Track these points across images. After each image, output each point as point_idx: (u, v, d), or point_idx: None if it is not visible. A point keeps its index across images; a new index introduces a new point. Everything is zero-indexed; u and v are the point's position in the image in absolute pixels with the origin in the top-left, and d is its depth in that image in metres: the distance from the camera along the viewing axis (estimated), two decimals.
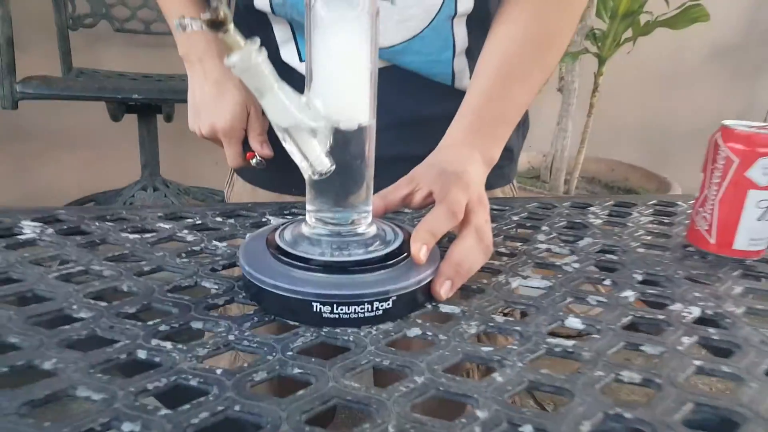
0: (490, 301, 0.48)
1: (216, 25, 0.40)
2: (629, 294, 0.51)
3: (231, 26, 0.40)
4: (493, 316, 0.45)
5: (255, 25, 0.75)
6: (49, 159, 2.01)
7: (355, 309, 0.42)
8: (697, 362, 0.41)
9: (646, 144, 2.44)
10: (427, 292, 0.46)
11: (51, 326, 0.41)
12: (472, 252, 0.49)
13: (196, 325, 0.42)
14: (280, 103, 0.43)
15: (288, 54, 0.75)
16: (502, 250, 0.58)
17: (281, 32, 0.74)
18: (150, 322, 0.41)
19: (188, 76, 0.75)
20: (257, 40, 0.41)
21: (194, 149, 2.06)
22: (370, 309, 0.42)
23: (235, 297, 0.47)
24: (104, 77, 1.80)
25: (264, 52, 0.42)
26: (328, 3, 0.41)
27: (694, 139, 2.45)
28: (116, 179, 1.91)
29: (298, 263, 0.44)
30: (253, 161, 0.75)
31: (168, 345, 0.38)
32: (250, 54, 0.41)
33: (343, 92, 0.44)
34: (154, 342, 0.39)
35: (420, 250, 0.45)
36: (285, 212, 0.67)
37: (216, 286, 0.48)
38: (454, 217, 0.49)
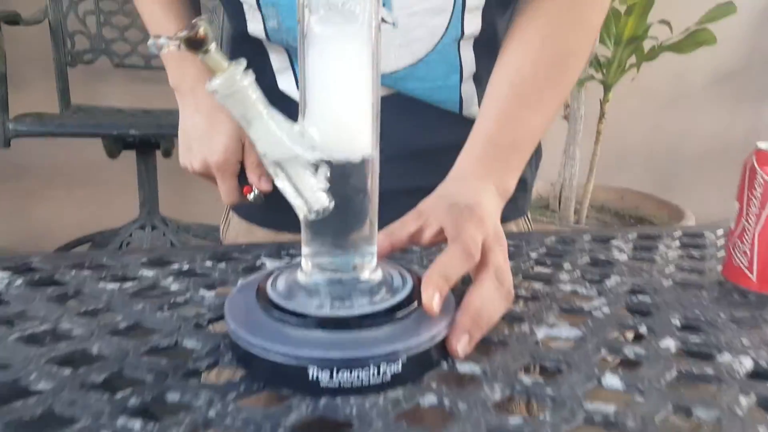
0: (515, 356, 0.42)
1: (195, 44, 0.35)
2: (670, 343, 0.45)
3: (212, 46, 0.35)
4: (519, 376, 0.39)
5: (250, 52, 0.70)
6: (45, 198, 1.96)
7: (358, 374, 0.35)
8: (763, 430, 0.35)
9: (654, 169, 2.39)
10: (442, 349, 0.40)
11: (1, 402, 0.35)
12: (492, 299, 0.43)
13: (172, 396, 0.36)
14: (270, 132, 0.38)
15: (285, 83, 0.70)
16: (523, 292, 0.52)
17: (278, 60, 0.69)
18: (119, 394, 0.35)
19: (179, 108, 0.70)
20: (243, 62, 0.36)
21: (194, 184, 2.00)
22: (376, 374, 0.36)
23: (220, 359, 0.40)
24: (102, 113, 1.77)
25: (251, 75, 0.36)
26: (323, 18, 0.36)
27: (702, 163, 2.41)
28: (115, 217, 1.87)
29: (292, 319, 0.38)
30: (251, 196, 0.70)
31: (137, 425, 0.32)
32: (234, 77, 0.36)
33: (342, 119, 0.38)
34: (121, 421, 0.33)
35: (432, 298, 0.39)
36: (283, 253, 0.61)
37: (199, 346, 0.42)
38: (470, 257, 0.43)
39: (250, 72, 0.36)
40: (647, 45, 1.74)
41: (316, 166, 0.38)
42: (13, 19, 1.54)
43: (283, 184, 0.39)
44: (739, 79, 2.37)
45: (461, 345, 0.40)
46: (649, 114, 2.32)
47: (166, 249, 0.61)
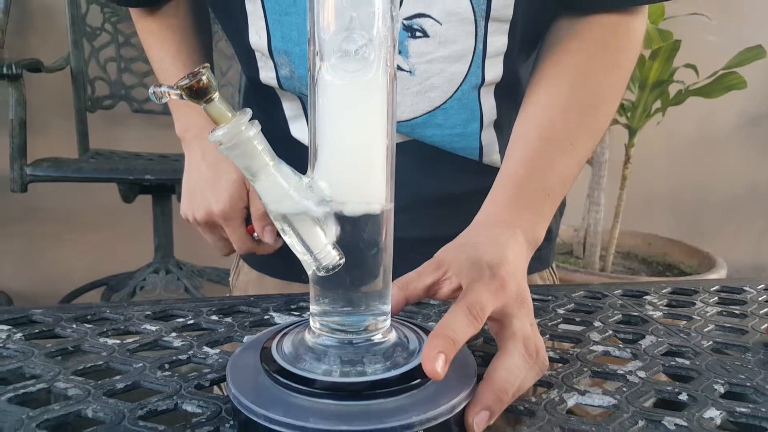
0: (543, 428, 0.38)
1: (197, 93, 0.33)
2: (714, 414, 0.41)
3: (216, 95, 0.33)
4: None
5: (262, 99, 0.69)
6: (61, 241, 1.96)
7: None
8: None
9: (681, 215, 2.34)
10: (463, 419, 0.36)
11: None
12: (519, 372, 0.39)
13: None
14: (276, 185, 0.35)
15: (298, 130, 0.68)
16: (551, 354, 0.48)
17: (290, 108, 0.67)
18: None
19: (185, 157, 0.68)
20: (248, 112, 0.34)
21: None
22: None
23: (221, 426, 0.37)
24: (120, 158, 1.77)
25: (256, 125, 0.34)
26: (335, 66, 0.34)
27: (730, 209, 2.36)
28: (129, 261, 1.86)
29: (298, 385, 0.35)
30: (255, 235, 0.68)
31: None
32: (239, 127, 0.33)
33: (353, 172, 0.36)
34: None
35: (437, 360, 0.35)
36: (292, 306, 0.58)
37: (200, 410, 0.39)
38: (475, 321, 0.38)
39: (256, 122, 0.33)
40: (673, 89, 1.72)
41: (325, 221, 0.35)
42: (35, 67, 1.56)
43: (290, 240, 0.36)
44: (765, 124, 2.33)
45: (478, 422, 0.36)
46: (676, 158, 2.28)
47: (171, 302, 0.58)
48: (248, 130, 0.33)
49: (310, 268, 0.38)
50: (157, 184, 1.59)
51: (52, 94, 1.82)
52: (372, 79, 0.34)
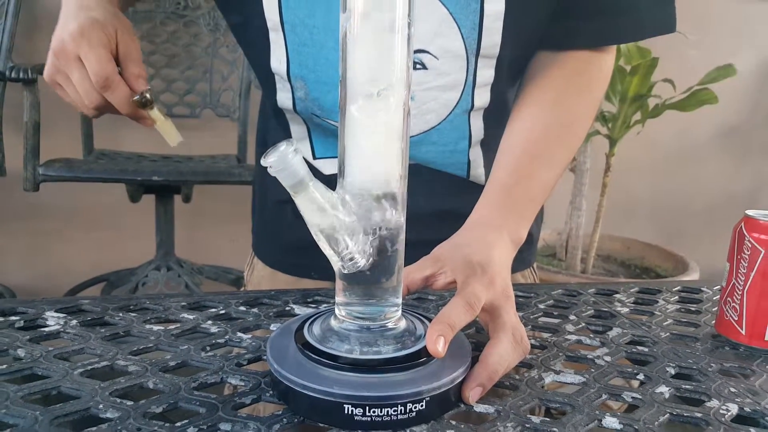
0: (525, 399, 0.46)
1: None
2: (664, 390, 0.50)
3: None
4: (529, 416, 0.44)
5: (275, 123, 0.77)
6: (65, 238, 2.02)
7: (387, 411, 0.41)
8: None
9: (660, 221, 2.44)
10: (460, 391, 0.45)
11: (77, 428, 0.40)
12: (508, 356, 0.48)
13: (225, 427, 0.41)
14: (314, 200, 0.43)
15: (303, 151, 0.76)
16: (532, 341, 0.57)
17: (297, 131, 0.76)
18: (178, 424, 0.40)
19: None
20: (293, 142, 0.42)
21: (209, 228, 2.07)
22: (403, 411, 0.41)
23: (262, 395, 0.46)
24: (125, 159, 1.83)
25: (300, 153, 0.42)
26: (362, 107, 0.42)
27: (706, 215, 2.46)
28: (130, 258, 1.92)
29: (327, 361, 0.43)
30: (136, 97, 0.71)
31: None
32: (287, 155, 0.42)
33: (375, 189, 0.44)
34: None
35: (437, 342, 0.43)
36: (308, 300, 0.66)
37: (242, 383, 0.48)
38: (470, 310, 0.47)
39: (299, 151, 0.42)
40: (652, 102, 1.81)
41: (351, 229, 0.44)
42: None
43: (321, 243, 0.45)
44: (742, 135, 2.44)
45: (473, 395, 0.45)
46: (655, 167, 2.38)
47: (203, 294, 0.66)
48: (294, 158, 0.42)
49: (336, 266, 0.46)
50: (162, 185, 1.66)
51: (56, 96, 1.87)
52: (391, 117, 0.43)
